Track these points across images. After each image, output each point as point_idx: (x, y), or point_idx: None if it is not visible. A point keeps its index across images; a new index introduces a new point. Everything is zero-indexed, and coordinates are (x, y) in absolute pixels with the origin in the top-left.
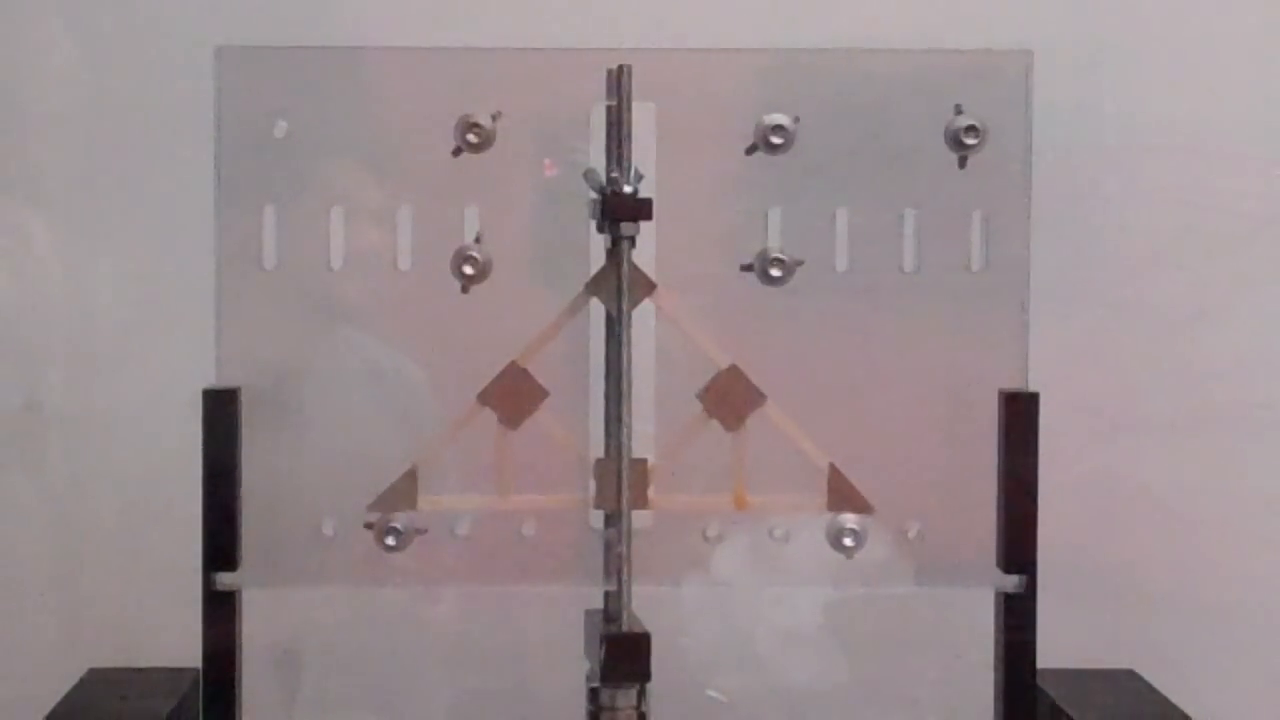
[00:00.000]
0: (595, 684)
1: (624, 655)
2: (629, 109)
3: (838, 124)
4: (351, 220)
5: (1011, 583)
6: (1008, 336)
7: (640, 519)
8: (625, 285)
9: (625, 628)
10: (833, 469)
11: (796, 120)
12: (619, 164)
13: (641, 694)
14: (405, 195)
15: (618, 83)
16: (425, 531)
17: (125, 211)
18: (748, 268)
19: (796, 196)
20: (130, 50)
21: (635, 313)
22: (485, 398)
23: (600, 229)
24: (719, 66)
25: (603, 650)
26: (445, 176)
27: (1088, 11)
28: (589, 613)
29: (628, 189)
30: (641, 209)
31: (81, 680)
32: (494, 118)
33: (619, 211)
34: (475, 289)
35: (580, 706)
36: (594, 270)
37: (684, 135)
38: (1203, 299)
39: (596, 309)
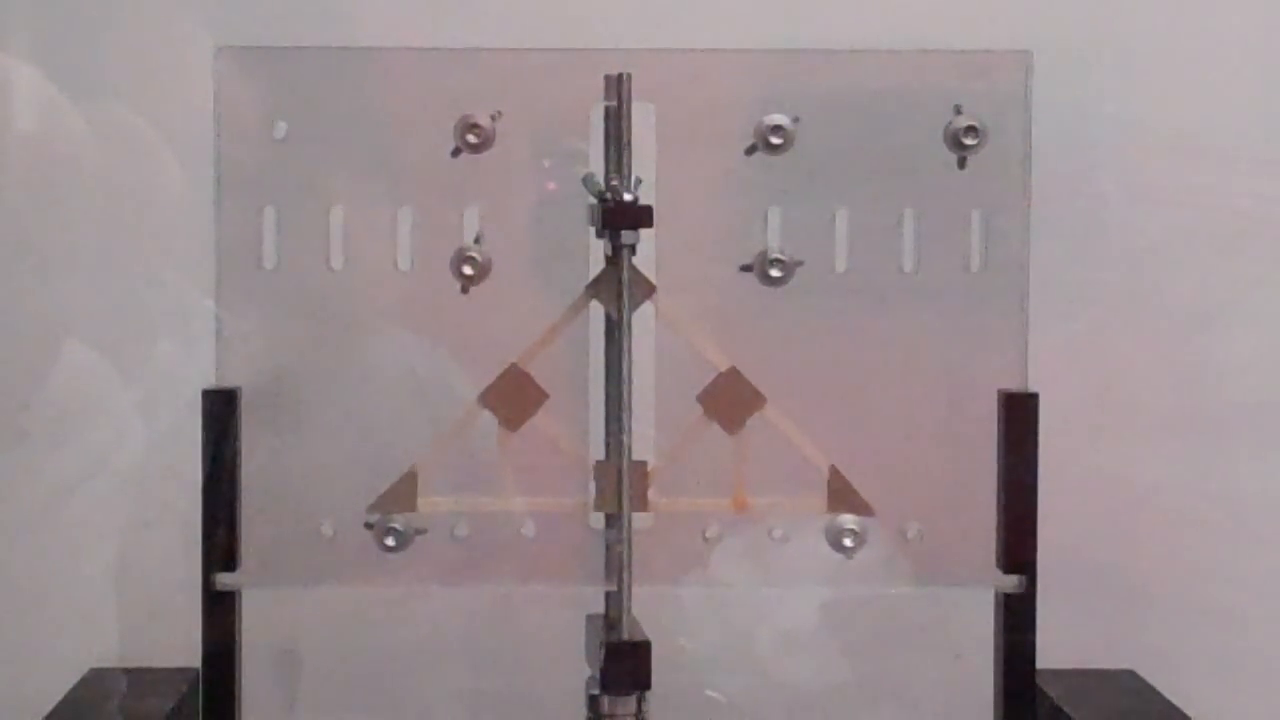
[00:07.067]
0: (595, 691)
1: (624, 663)
2: (628, 116)
3: (838, 124)
4: (351, 220)
5: (1011, 583)
6: (1007, 336)
7: (640, 520)
8: (626, 291)
9: (626, 635)
10: (833, 470)
11: (796, 120)
12: (618, 171)
13: (641, 701)
14: (405, 195)
15: (617, 90)
16: (425, 532)
17: (125, 211)
18: (747, 268)
19: (796, 197)
20: (130, 49)
21: (635, 314)
22: (485, 399)
23: (600, 235)
24: (719, 67)
25: (603, 658)
26: (445, 177)
27: (1087, 11)
28: (590, 617)
29: (627, 196)
30: (641, 216)
31: (81, 680)
32: (494, 118)
33: (619, 219)
34: (475, 289)
35: (580, 708)
36: (594, 271)
37: (684, 136)
38: (1203, 299)
39: (596, 310)
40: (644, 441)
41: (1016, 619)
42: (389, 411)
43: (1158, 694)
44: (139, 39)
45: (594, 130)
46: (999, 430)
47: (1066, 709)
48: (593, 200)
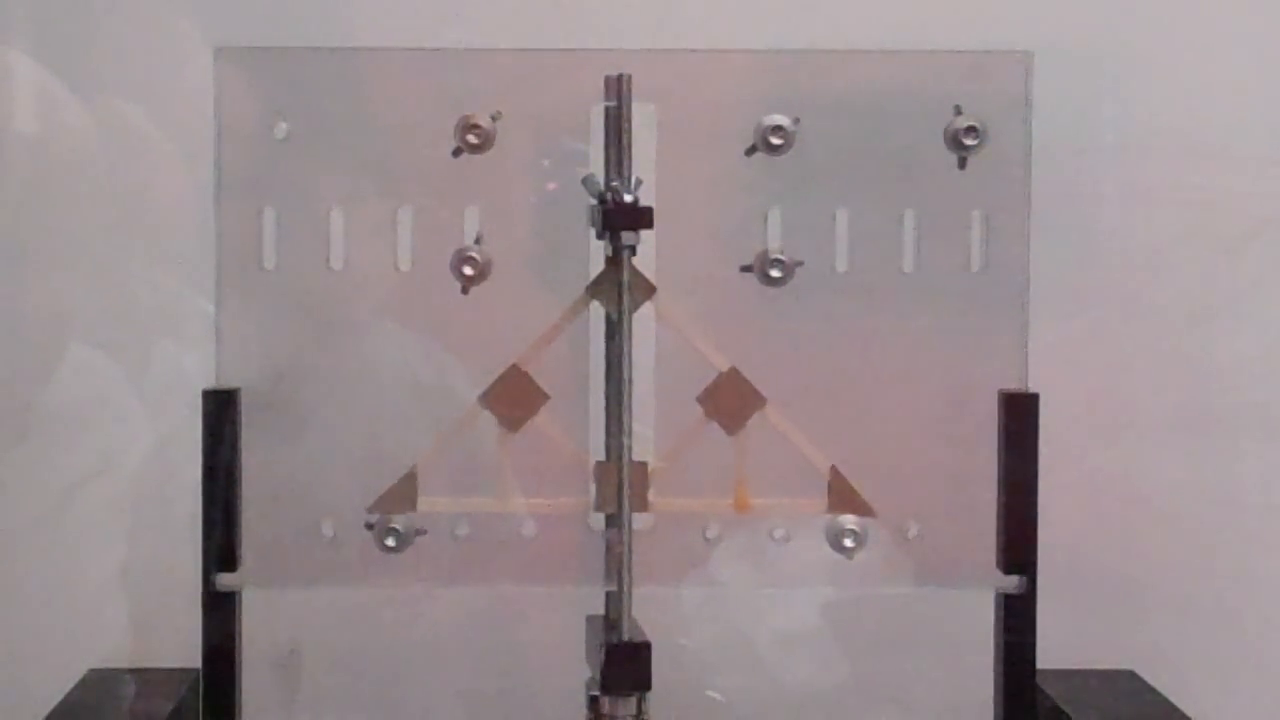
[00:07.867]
0: (595, 692)
1: (624, 664)
2: (628, 116)
3: (838, 124)
4: (351, 221)
5: (1011, 583)
6: (1008, 337)
7: (640, 521)
8: (626, 291)
9: (626, 636)
10: (833, 470)
11: (796, 121)
12: (618, 171)
13: (641, 701)
14: (405, 196)
15: (617, 90)
16: (425, 533)
17: (125, 211)
18: (748, 269)
19: (796, 197)
20: (131, 49)
21: (635, 314)
22: (485, 400)
23: (600, 237)
24: (719, 67)
25: (603, 658)
26: (445, 177)
27: (1088, 12)
28: (590, 618)
29: (627, 197)
30: (642, 218)
31: (81, 680)
32: (494, 118)
33: (619, 221)
34: (475, 290)
35: (580, 708)
36: (594, 271)
37: (684, 136)
38: (1203, 299)
39: (596, 311)
40: (644, 441)
41: (1016, 619)
42: (389, 411)
43: (1158, 694)
44: (139, 38)
45: (594, 130)
46: (999, 430)
47: (1066, 709)
48: (593, 201)
